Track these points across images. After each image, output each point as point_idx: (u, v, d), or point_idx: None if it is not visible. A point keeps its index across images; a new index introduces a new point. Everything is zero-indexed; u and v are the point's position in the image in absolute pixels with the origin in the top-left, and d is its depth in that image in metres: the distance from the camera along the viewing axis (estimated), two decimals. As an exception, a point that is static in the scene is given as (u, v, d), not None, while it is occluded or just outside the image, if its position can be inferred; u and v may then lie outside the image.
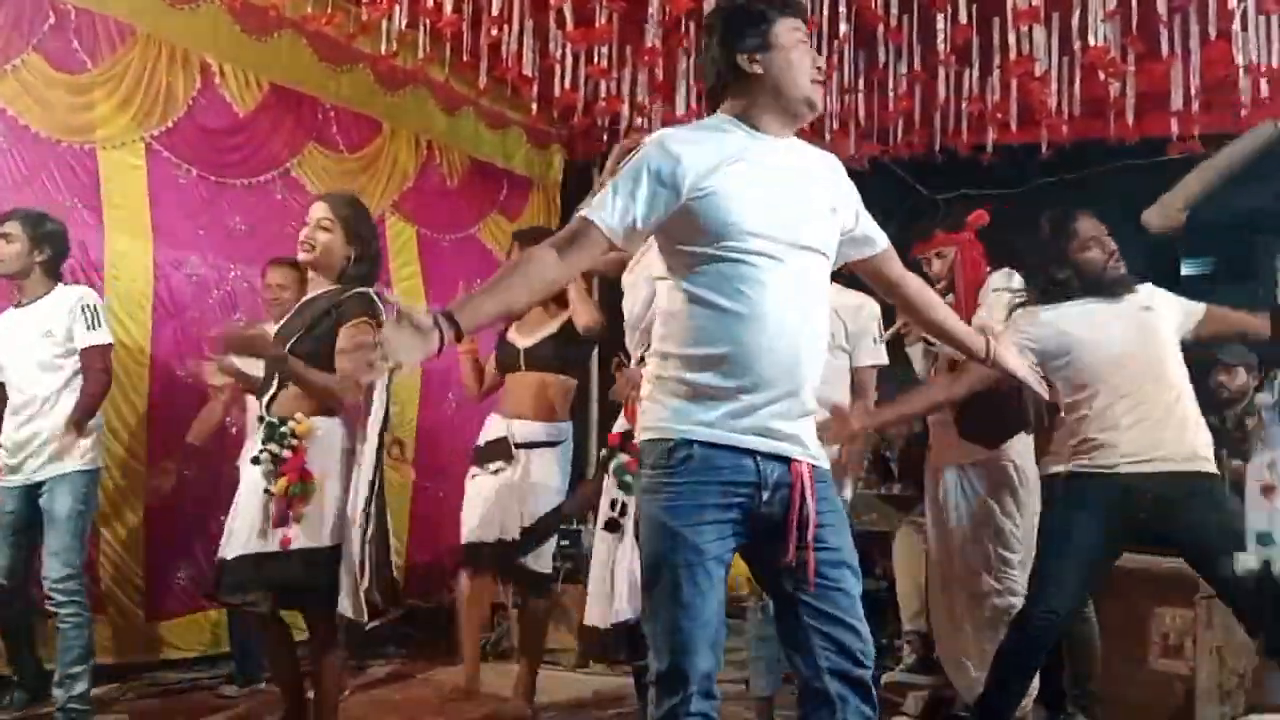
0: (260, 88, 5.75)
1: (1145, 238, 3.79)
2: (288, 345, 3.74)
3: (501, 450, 4.80)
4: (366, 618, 3.72)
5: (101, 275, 5.06)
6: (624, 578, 3.64)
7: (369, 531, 3.74)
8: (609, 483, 3.81)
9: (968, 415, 4.26)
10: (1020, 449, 4.39)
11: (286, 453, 3.63)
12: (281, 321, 3.99)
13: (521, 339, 4.85)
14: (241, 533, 3.68)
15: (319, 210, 3.85)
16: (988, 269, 4.51)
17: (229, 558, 3.69)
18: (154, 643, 5.22)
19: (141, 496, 5.14)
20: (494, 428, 4.89)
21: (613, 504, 3.77)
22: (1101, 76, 5.34)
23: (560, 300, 4.74)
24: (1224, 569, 2.99)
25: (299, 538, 3.61)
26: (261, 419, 3.79)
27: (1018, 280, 4.37)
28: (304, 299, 3.94)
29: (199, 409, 5.08)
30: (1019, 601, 4.01)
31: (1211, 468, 3.68)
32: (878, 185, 6.05)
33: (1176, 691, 4.29)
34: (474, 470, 4.89)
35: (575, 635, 4.64)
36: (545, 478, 4.81)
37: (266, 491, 3.63)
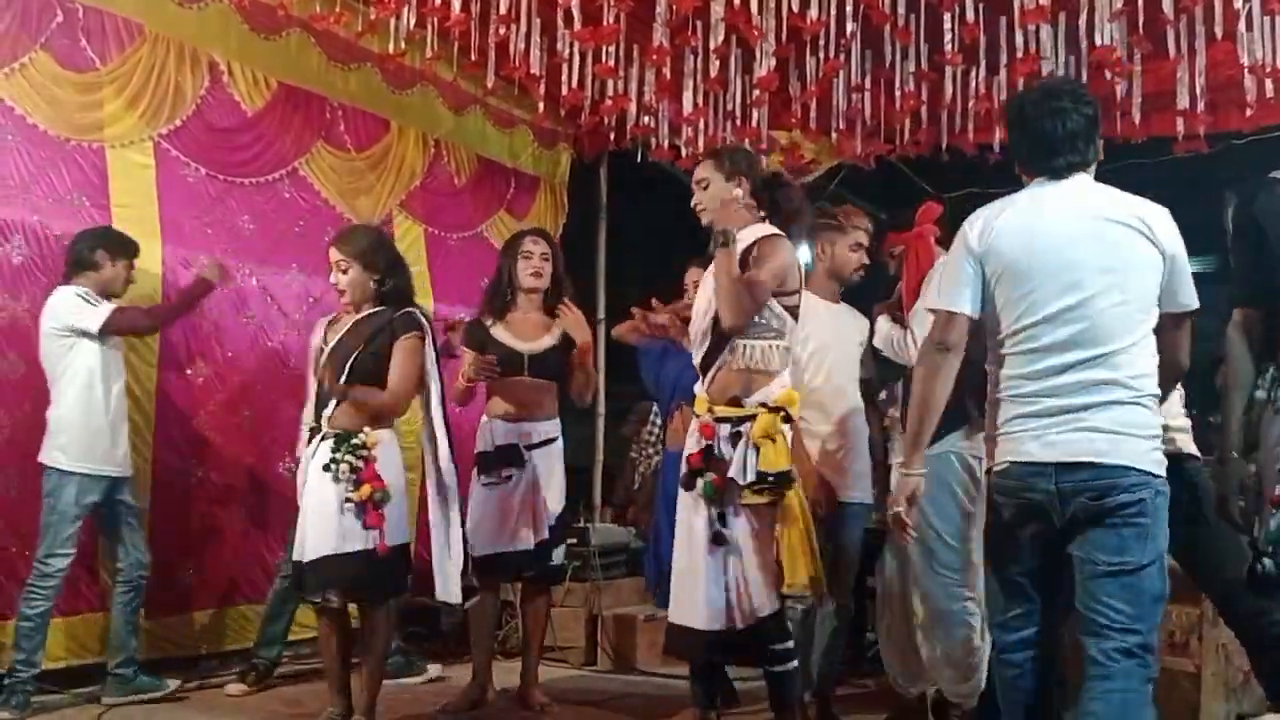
0: (269, 86, 5.76)
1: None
2: (348, 362, 4.15)
3: (513, 456, 4.80)
4: (462, 600, 4.34)
5: (110, 273, 5.07)
6: (738, 584, 3.91)
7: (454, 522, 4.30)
8: (700, 500, 3.98)
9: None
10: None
11: (360, 463, 4.07)
12: (337, 339, 4.26)
13: (523, 344, 4.84)
14: (317, 536, 4.06)
15: (333, 255, 4.30)
16: (940, 259, 4.51)
17: (308, 559, 4.09)
18: (155, 641, 5.21)
19: (148, 493, 5.15)
20: (498, 433, 4.86)
21: (712, 519, 3.96)
22: (1108, 76, 5.33)
23: (546, 308, 4.88)
24: None
25: (383, 538, 4.08)
26: (314, 429, 4.23)
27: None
28: (357, 318, 4.28)
29: (209, 403, 5.12)
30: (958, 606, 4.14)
31: None
32: (884, 184, 6.10)
33: (1183, 688, 4.30)
34: (482, 479, 4.84)
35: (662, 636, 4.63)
36: (553, 476, 4.84)
37: (348, 500, 4.05)
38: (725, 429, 3.89)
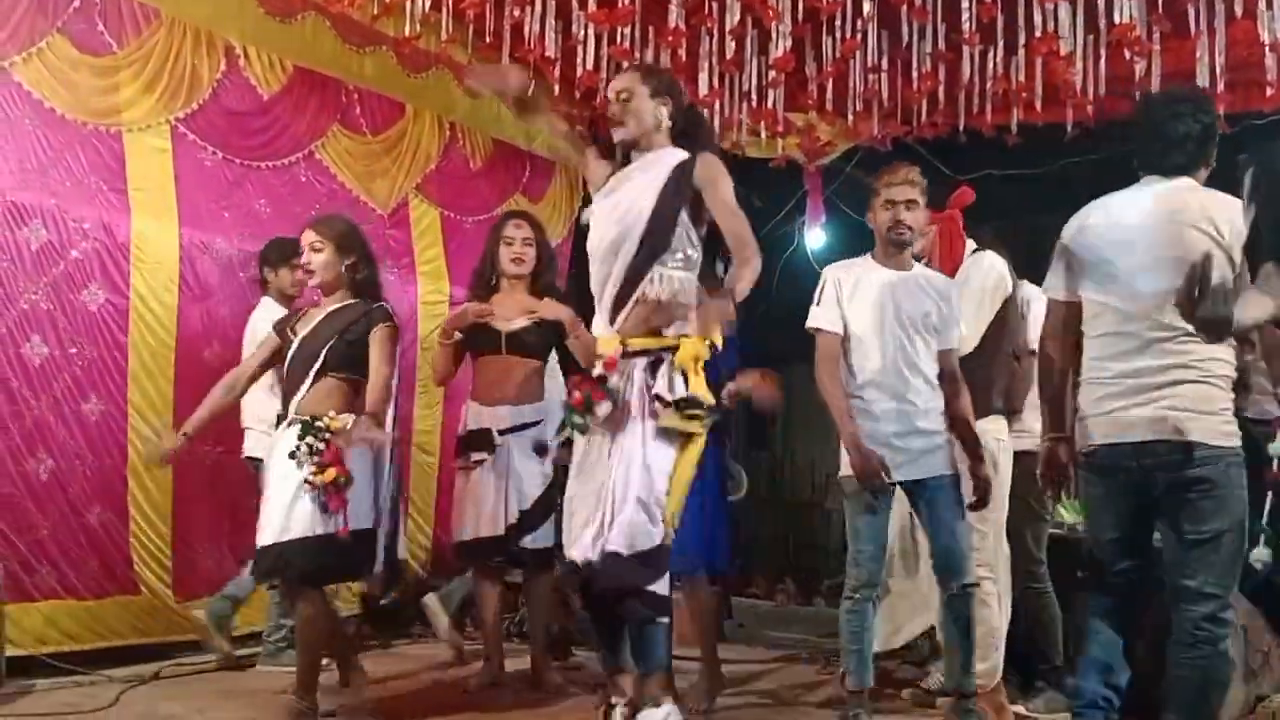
0: (284, 70, 5.77)
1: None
2: (322, 352, 4.09)
3: (483, 441, 4.79)
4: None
5: (128, 257, 5.11)
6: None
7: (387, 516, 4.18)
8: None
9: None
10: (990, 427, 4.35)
11: (321, 445, 3.97)
12: (309, 329, 4.18)
13: (501, 323, 4.83)
14: (282, 519, 3.95)
15: (308, 236, 4.23)
16: (968, 248, 4.53)
17: (266, 543, 3.98)
18: (180, 624, 5.23)
19: (170, 477, 5.18)
20: (472, 416, 4.87)
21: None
22: (1127, 55, 5.30)
23: (535, 290, 4.84)
24: None
25: (346, 522, 3.98)
26: (282, 416, 4.13)
27: (998, 265, 4.45)
28: (331, 310, 4.20)
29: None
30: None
31: None
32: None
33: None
34: (459, 462, 4.89)
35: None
36: (530, 462, 4.77)
37: (307, 482, 3.94)
38: (640, 361, 3.53)
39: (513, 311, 4.85)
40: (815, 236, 7.54)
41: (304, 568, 3.95)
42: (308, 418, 4.03)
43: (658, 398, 3.44)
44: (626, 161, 3.70)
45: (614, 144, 3.72)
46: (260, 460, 4.54)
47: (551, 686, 4.84)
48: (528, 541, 4.74)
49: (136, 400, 5.07)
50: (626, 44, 5.53)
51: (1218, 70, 5.25)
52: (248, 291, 5.55)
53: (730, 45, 5.57)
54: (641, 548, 3.35)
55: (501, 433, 4.76)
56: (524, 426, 4.78)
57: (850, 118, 6.31)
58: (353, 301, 4.20)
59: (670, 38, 5.47)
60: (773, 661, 5.92)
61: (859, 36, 5.72)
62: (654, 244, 3.55)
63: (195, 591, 5.30)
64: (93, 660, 4.80)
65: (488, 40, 5.73)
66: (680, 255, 3.57)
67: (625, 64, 5.03)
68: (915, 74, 5.90)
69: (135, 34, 5.12)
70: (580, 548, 3.46)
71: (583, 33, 5.50)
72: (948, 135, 6.33)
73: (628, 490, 3.39)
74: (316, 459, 3.95)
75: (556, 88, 6.13)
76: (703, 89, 5.91)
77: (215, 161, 5.48)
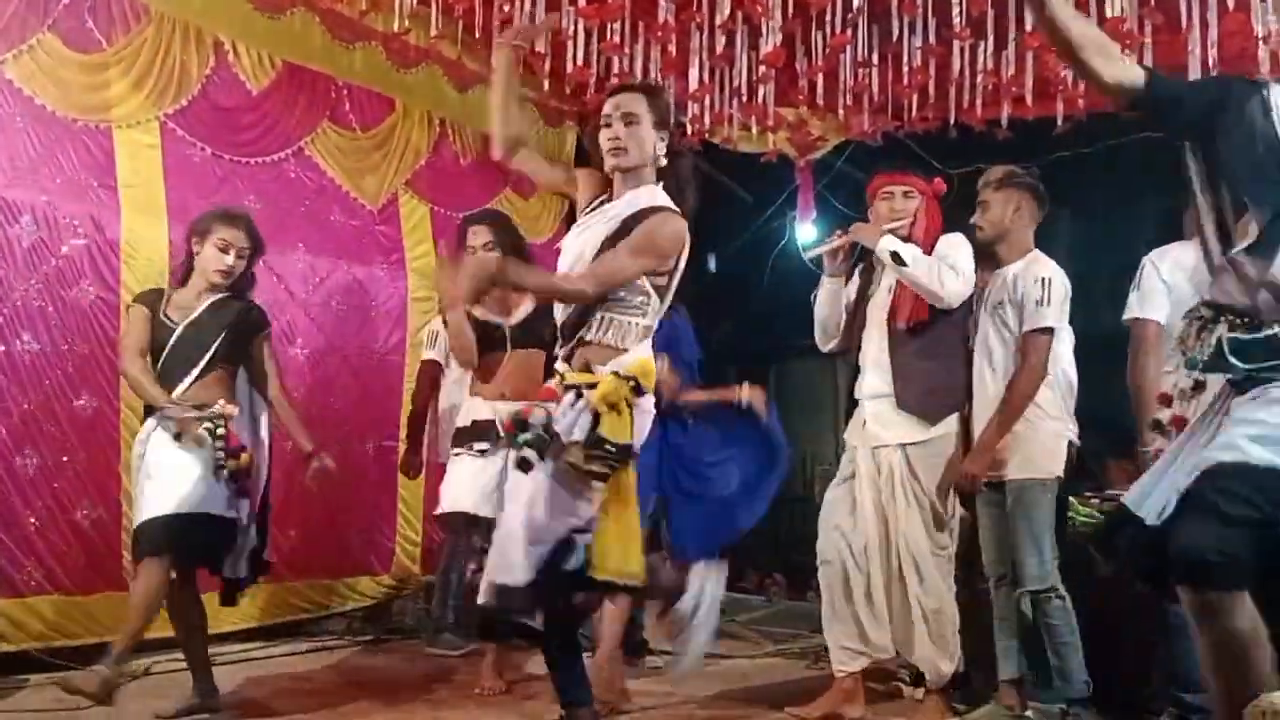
0: (273, 66, 5.76)
1: (1162, 211, 3.78)
2: (214, 343, 4.21)
3: (487, 432, 4.81)
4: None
5: (118, 254, 5.09)
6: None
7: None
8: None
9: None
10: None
11: (223, 431, 4.11)
12: (191, 319, 4.22)
13: (502, 316, 4.85)
14: (170, 501, 4.01)
15: (230, 235, 4.26)
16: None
17: (165, 517, 4.00)
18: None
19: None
20: (478, 409, 4.88)
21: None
22: (1119, 48, 5.31)
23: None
24: None
25: (252, 507, 4.23)
26: (150, 410, 4.20)
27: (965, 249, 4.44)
28: (211, 301, 4.27)
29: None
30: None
31: None
32: (891, 160, 6.07)
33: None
34: (456, 450, 4.92)
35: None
36: None
37: (221, 467, 4.08)
38: (571, 396, 3.41)
39: (512, 304, 4.87)
40: (806, 231, 7.54)
41: (206, 545, 4.10)
42: (202, 404, 4.12)
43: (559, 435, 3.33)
44: (608, 194, 3.55)
45: (598, 159, 3.56)
46: None
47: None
48: None
49: (128, 396, 5.05)
50: (616, 39, 5.52)
51: (1210, 63, 5.25)
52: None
53: (720, 40, 5.56)
54: (510, 582, 3.25)
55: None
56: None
57: (841, 112, 6.30)
58: (225, 296, 4.29)
59: (660, 32, 5.47)
60: (762, 657, 5.92)
61: (849, 31, 5.72)
62: None
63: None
64: (84, 656, 4.78)
65: (477, 35, 5.72)
66: (630, 302, 3.43)
67: (629, 82, 4.81)
68: (906, 68, 5.90)
69: (124, 30, 5.11)
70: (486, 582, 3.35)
71: (572, 27, 5.50)
72: (938, 130, 6.34)
73: (512, 524, 3.31)
74: (223, 445, 4.09)
75: (546, 83, 6.11)
76: (693, 84, 5.91)
77: (204, 158, 5.47)
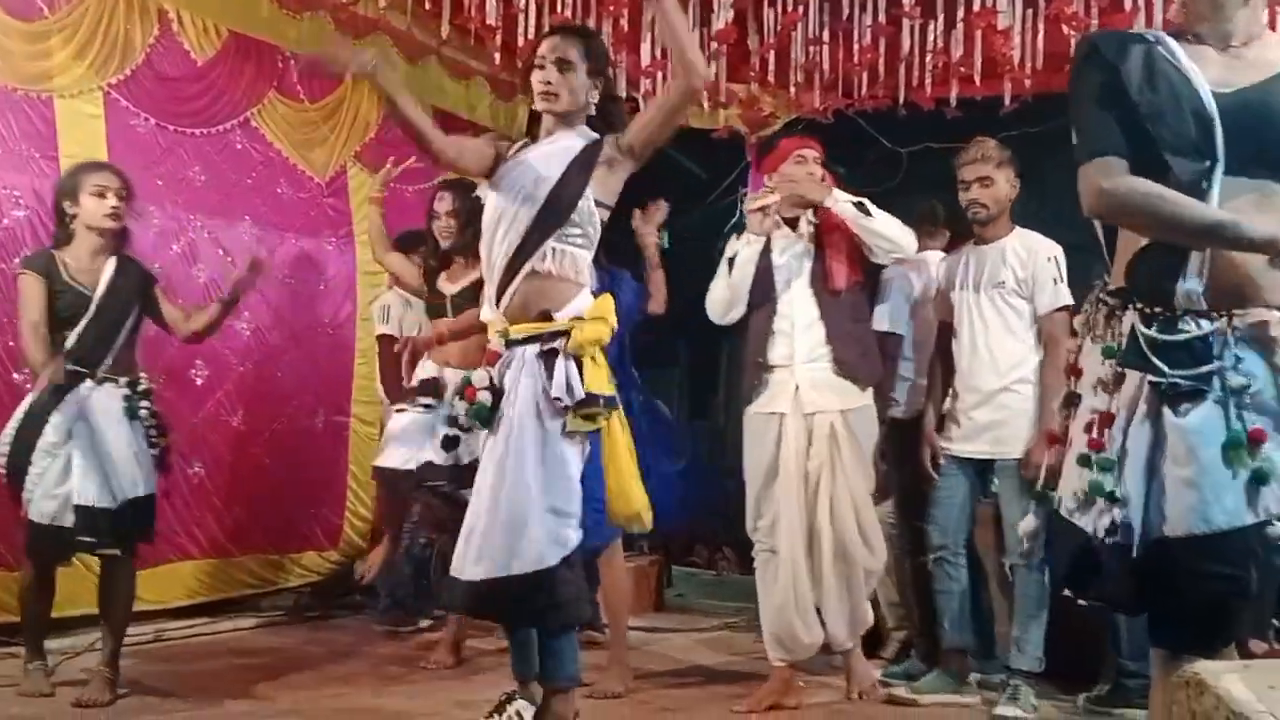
0: (219, 35, 5.67)
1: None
2: (134, 311, 4.22)
3: (433, 388, 4.91)
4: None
5: (60, 225, 5.00)
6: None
7: None
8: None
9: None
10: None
11: (154, 409, 4.17)
12: (105, 287, 4.15)
13: (448, 285, 4.95)
14: (132, 480, 4.05)
15: (113, 182, 4.19)
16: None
17: (100, 506, 3.99)
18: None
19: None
20: (426, 369, 5.02)
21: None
22: (1065, 30, 5.36)
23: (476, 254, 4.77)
24: None
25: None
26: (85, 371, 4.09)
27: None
28: (118, 262, 4.22)
29: (154, 359, 5.06)
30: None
31: None
32: (842, 138, 6.10)
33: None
34: (400, 406, 5.03)
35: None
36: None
37: (153, 445, 4.12)
38: (532, 349, 3.19)
39: (456, 273, 4.97)
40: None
41: (143, 527, 4.13)
42: (133, 379, 4.14)
43: (556, 400, 3.12)
44: (531, 134, 3.44)
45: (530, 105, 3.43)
46: None
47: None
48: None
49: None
50: (569, 13, 5.50)
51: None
52: (183, 259, 5.49)
53: (672, 15, 5.55)
54: (548, 563, 3.07)
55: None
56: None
57: (792, 89, 6.32)
58: (125, 257, 4.26)
59: (612, 7, 5.45)
60: (712, 630, 5.97)
61: (800, 8, 5.74)
62: (554, 212, 3.23)
63: (144, 560, 5.23)
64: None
65: (427, 7, 5.67)
66: (579, 232, 3.25)
67: (566, 24, 4.86)
68: (856, 46, 5.93)
69: (66, -2, 5.02)
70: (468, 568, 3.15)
71: (524, 0, 5.47)
72: (888, 108, 6.37)
73: (527, 501, 3.09)
74: (155, 422, 4.13)
75: (498, 56, 6.08)
76: (645, 59, 5.90)
77: (148, 128, 5.38)
